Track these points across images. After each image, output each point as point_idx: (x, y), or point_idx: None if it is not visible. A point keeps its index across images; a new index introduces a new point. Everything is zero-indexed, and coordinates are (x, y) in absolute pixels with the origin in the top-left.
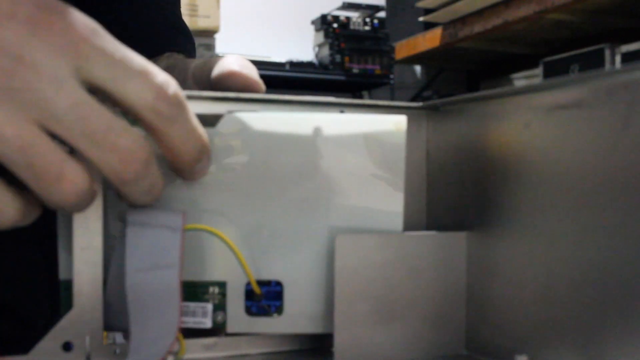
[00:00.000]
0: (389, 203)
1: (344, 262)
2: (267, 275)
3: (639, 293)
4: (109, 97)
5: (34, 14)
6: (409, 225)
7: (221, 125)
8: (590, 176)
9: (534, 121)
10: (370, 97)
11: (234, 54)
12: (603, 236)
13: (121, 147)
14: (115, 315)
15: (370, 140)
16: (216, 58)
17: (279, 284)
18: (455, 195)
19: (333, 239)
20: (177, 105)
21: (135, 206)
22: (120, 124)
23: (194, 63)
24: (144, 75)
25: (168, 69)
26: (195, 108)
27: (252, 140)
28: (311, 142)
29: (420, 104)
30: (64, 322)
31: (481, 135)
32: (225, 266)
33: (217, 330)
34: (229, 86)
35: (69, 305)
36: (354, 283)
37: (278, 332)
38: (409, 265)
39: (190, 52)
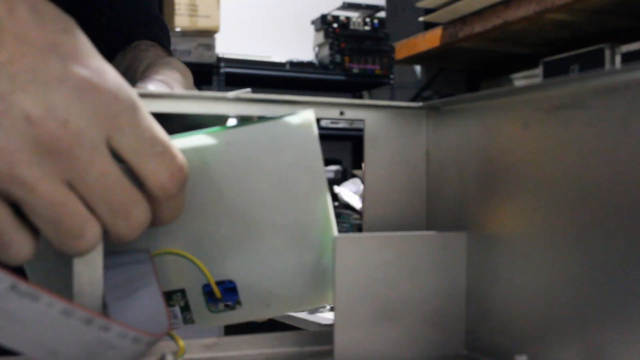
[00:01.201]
0: (314, 202)
1: (344, 262)
2: (220, 276)
3: (638, 293)
4: (127, 164)
5: (83, 80)
6: (409, 225)
7: None
8: (590, 176)
9: (533, 121)
10: (370, 97)
11: (233, 54)
12: (603, 236)
13: (133, 217)
14: None
15: (282, 143)
16: (158, 64)
17: (231, 282)
18: (455, 195)
19: (272, 236)
20: (182, 186)
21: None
22: (136, 196)
23: (146, 61)
24: (165, 155)
25: (129, 65)
26: (196, 108)
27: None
28: (231, 158)
29: (420, 104)
30: None
31: (481, 135)
32: (179, 274)
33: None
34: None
35: None
36: (354, 283)
37: (242, 321)
38: (409, 265)
39: (162, 40)
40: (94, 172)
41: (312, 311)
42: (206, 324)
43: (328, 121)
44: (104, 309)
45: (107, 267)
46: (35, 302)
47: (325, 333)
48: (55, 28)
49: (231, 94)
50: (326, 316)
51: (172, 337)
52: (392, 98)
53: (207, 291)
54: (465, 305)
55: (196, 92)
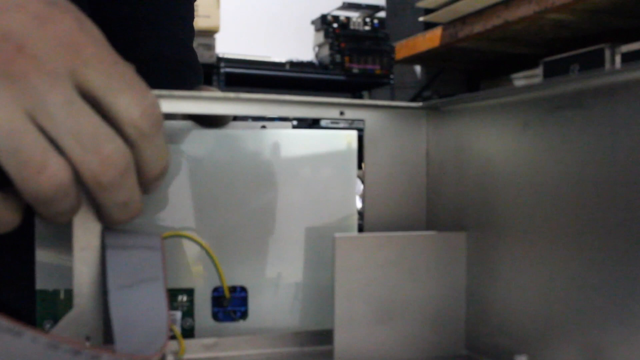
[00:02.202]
0: (343, 217)
1: (344, 262)
2: (232, 281)
3: (638, 293)
4: (96, 104)
5: (43, 9)
6: (409, 225)
7: (187, 142)
8: (590, 176)
9: (533, 121)
10: (370, 97)
11: (233, 54)
12: (603, 236)
13: (103, 152)
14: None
15: (324, 155)
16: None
17: (243, 289)
18: (455, 195)
19: (293, 244)
20: (157, 125)
21: (111, 229)
22: (106, 130)
23: None
24: (135, 91)
25: None
26: (196, 108)
27: (216, 155)
28: (269, 157)
29: (420, 104)
30: (64, 322)
31: (481, 135)
32: (193, 274)
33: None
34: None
35: (45, 316)
36: (354, 283)
37: (244, 334)
38: (409, 265)
39: (194, 85)
40: (54, 100)
41: None
42: (208, 334)
43: (328, 121)
44: (105, 295)
45: (116, 246)
46: (19, 338)
47: (325, 333)
48: None
49: (231, 94)
50: None
51: (174, 337)
52: (392, 98)
53: (216, 296)
54: (465, 305)
55: (196, 92)
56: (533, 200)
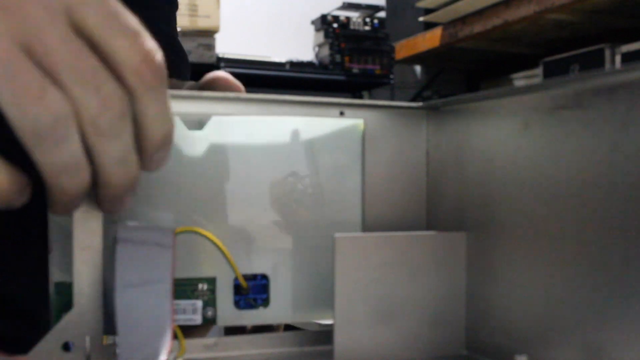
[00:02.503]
0: (352, 206)
1: (344, 262)
2: (254, 269)
3: (638, 293)
4: (93, 46)
5: None
6: (409, 225)
7: (206, 129)
8: (590, 176)
9: (534, 121)
10: (370, 97)
11: (233, 54)
12: (603, 236)
13: (103, 92)
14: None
15: (340, 142)
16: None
17: (264, 277)
18: (455, 195)
19: (312, 232)
20: (160, 76)
21: (124, 222)
22: (105, 72)
23: (186, 85)
24: (136, 36)
25: None
26: (196, 108)
27: (236, 142)
28: (288, 145)
29: (420, 104)
30: (64, 322)
31: (481, 135)
32: (215, 262)
33: (206, 325)
34: (214, 87)
35: (62, 308)
36: (354, 283)
37: (265, 322)
38: (409, 265)
39: (184, 73)
40: (52, 34)
41: None
42: (229, 322)
43: None
44: (112, 292)
45: (126, 241)
46: None
47: (325, 333)
48: None
49: (231, 94)
50: None
51: (176, 336)
52: (392, 98)
53: (237, 284)
54: (465, 305)
55: (196, 92)
56: (533, 200)
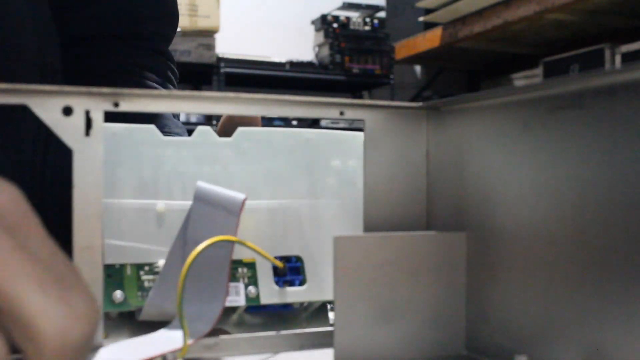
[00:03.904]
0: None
1: (344, 262)
2: (289, 251)
3: (638, 293)
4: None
5: None
6: (409, 225)
7: (238, 139)
8: (590, 176)
9: (533, 121)
10: (370, 97)
11: (233, 54)
12: (603, 236)
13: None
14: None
15: (350, 151)
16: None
17: (298, 259)
18: (455, 195)
19: (337, 215)
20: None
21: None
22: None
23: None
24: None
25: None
26: (196, 108)
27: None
28: (308, 151)
29: (420, 104)
30: None
31: (481, 135)
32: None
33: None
34: (238, 122)
35: (114, 288)
36: (354, 283)
37: (306, 300)
38: (409, 265)
39: (171, 81)
40: None
41: None
42: (272, 299)
43: (328, 121)
44: (183, 239)
45: (201, 199)
46: None
47: (325, 333)
48: None
49: (231, 94)
50: None
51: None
52: (392, 98)
53: (274, 267)
54: (465, 305)
55: (196, 92)
56: (533, 200)
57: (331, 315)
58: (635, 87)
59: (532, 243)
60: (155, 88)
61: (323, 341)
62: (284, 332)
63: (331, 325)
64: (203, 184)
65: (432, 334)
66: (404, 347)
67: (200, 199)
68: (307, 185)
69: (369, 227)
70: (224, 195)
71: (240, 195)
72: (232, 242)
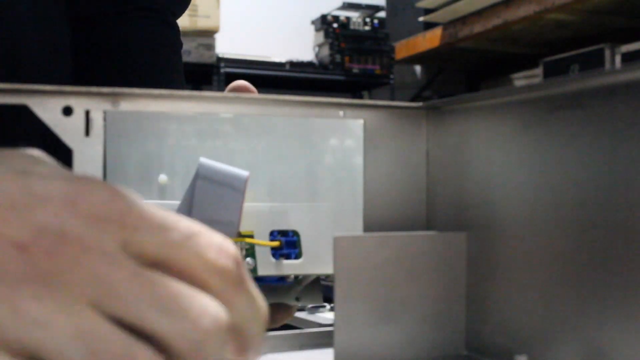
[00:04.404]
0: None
1: (344, 262)
2: (286, 225)
3: (638, 293)
4: (163, 268)
5: (70, 189)
6: (409, 225)
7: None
8: (590, 175)
9: (533, 121)
10: (370, 97)
11: (233, 54)
12: (603, 235)
13: (195, 311)
14: None
15: (348, 134)
16: None
17: (295, 233)
18: (455, 195)
19: (332, 191)
20: (238, 266)
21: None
22: (187, 288)
23: None
24: (198, 238)
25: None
26: (196, 108)
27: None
28: (309, 131)
29: (420, 104)
30: None
31: (481, 135)
32: (251, 220)
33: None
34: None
35: None
36: (354, 283)
37: (301, 273)
38: (409, 265)
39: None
40: (118, 277)
41: (312, 311)
42: (269, 271)
43: None
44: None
45: (206, 178)
46: None
47: (325, 333)
48: (25, 161)
49: (231, 94)
50: (326, 316)
51: None
52: (392, 98)
53: (272, 239)
54: (465, 305)
55: (196, 92)
56: (533, 200)
57: (330, 315)
58: (635, 87)
59: (532, 243)
60: (164, 62)
61: (323, 341)
62: (284, 332)
63: (323, 305)
64: (206, 161)
65: (432, 334)
66: (404, 347)
67: (204, 177)
68: (306, 161)
69: (368, 227)
70: (229, 173)
71: (243, 173)
72: (237, 220)
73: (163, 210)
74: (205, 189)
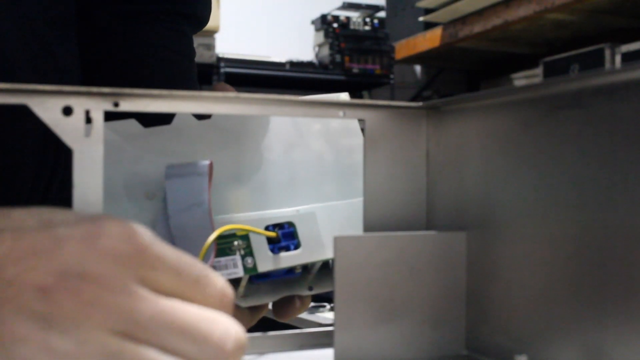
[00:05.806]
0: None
1: (344, 262)
2: (281, 218)
3: (638, 293)
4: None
5: (89, 229)
6: (409, 225)
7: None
8: (590, 175)
9: (533, 121)
10: (370, 97)
11: (233, 54)
12: (603, 235)
13: (218, 334)
14: None
15: (350, 132)
16: None
17: (291, 225)
18: (455, 195)
19: (325, 183)
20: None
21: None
22: (207, 311)
23: None
24: (207, 279)
25: None
26: (196, 108)
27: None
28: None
29: (420, 104)
30: None
31: (481, 135)
32: (245, 219)
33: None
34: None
35: None
36: (354, 283)
37: (301, 263)
38: (409, 265)
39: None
40: (140, 309)
41: (312, 311)
42: (269, 266)
43: None
44: (167, 219)
45: (173, 176)
46: None
47: (325, 333)
48: (44, 213)
49: (231, 94)
50: (326, 316)
51: None
52: (392, 98)
53: (268, 237)
54: (465, 305)
55: (196, 92)
56: (533, 200)
57: (330, 315)
58: (635, 87)
59: (532, 243)
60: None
61: (323, 341)
62: (284, 332)
63: (323, 305)
64: (170, 165)
65: (432, 334)
66: (404, 347)
67: (171, 175)
68: (294, 149)
69: (369, 227)
70: (192, 164)
71: (205, 161)
72: (207, 200)
73: (175, 250)
74: (174, 185)
